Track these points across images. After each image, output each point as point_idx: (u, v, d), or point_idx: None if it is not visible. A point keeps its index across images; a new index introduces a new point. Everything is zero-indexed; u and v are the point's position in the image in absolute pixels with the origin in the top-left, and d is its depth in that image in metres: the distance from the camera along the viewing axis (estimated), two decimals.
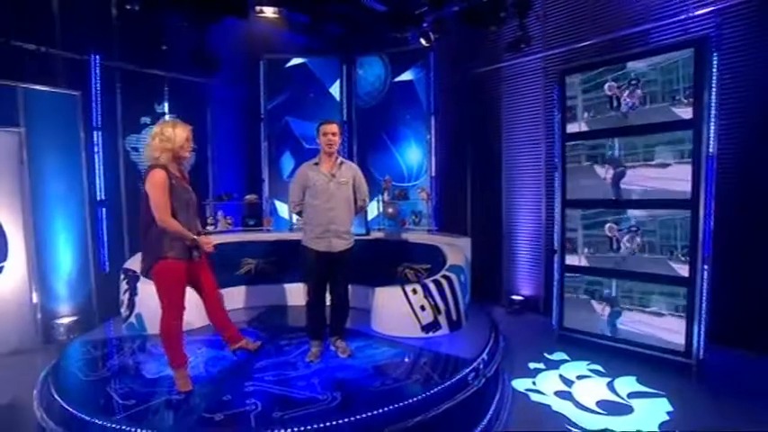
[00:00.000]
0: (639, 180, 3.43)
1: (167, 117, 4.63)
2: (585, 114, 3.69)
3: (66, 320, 4.08)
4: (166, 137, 2.40)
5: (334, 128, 2.91)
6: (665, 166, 3.29)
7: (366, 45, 5.55)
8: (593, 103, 3.66)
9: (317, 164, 2.95)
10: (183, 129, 2.46)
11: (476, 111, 5.29)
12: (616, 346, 3.59)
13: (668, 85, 3.25)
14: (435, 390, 2.39)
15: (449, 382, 2.47)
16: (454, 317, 3.30)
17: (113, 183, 4.59)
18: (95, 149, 4.39)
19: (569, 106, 3.79)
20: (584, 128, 3.72)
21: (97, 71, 4.35)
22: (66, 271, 4.21)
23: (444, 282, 3.30)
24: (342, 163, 2.97)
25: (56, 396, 2.35)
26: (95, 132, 4.40)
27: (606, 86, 3.56)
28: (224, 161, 5.58)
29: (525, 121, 4.89)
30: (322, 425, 2.05)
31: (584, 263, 3.78)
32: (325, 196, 2.87)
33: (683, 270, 3.23)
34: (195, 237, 2.45)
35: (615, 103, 3.53)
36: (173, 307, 2.41)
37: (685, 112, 3.18)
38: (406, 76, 5.22)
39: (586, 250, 3.76)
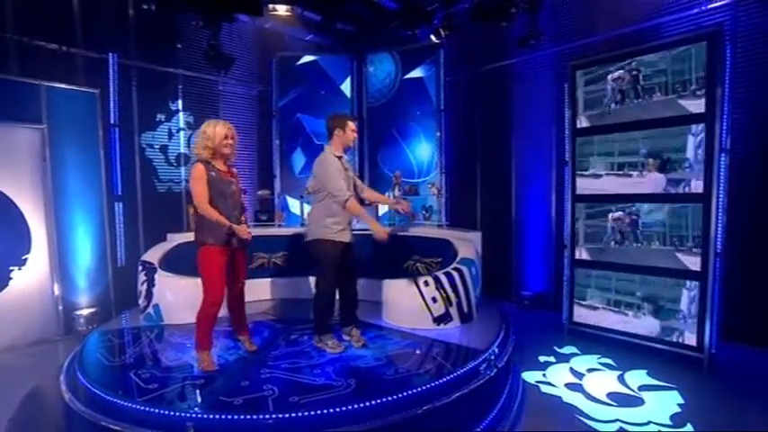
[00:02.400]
0: None
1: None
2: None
3: (85, 312, 4.20)
4: (207, 135, 2.59)
5: (356, 125, 3.05)
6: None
7: (377, 42, 5.60)
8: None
9: (339, 157, 2.97)
10: (222, 127, 2.62)
11: (486, 107, 5.31)
12: (627, 340, 3.60)
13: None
14: (448, 378, 2.42)
15: (461, 371, 2.50)
16: (465, 309, 3.33)
17: (130, 178, 4.71)
18: (113, 146, 4.51)
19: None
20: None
21: (115, 69, 4.47)
22: (85, 264, 4.33)
23: (455, 274, 3.34)
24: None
25: (82, 380, 2.44)
26: (113, 129, 4.52)
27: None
28: (236, 157, 5.68)
29: (535, 117, 4.90)
30: (338, 409, 2.11)
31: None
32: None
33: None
34: (231, 224, 2.57)
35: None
36: (210, 293, 2.56)
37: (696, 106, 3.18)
38: (417, 73, 5.26)
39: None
